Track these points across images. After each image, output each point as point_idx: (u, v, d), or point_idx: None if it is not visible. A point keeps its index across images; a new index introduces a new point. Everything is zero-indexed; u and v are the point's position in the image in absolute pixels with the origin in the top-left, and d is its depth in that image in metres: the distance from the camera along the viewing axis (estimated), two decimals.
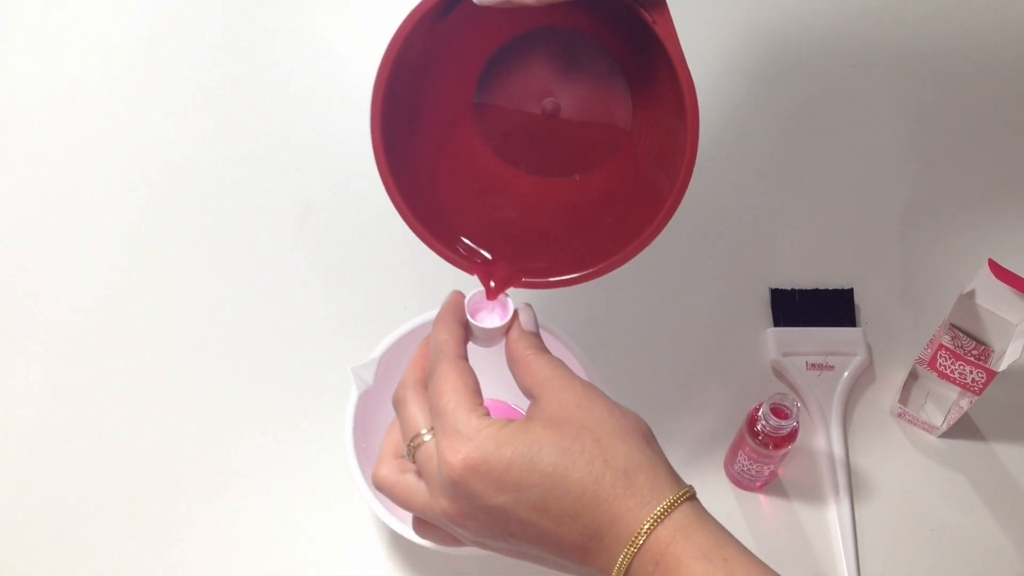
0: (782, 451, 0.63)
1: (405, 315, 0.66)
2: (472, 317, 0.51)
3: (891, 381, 0.72)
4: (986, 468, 0.69)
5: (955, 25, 0.92)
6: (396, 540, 0.67)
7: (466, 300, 0.51)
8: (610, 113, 0.57)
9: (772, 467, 0.66)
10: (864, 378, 0.73)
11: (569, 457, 0.43)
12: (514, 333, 0.50)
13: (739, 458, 0.66)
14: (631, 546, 0.42)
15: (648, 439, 0.46)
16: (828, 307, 0.76)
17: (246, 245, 0.81)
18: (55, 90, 0.90)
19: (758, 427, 0.62)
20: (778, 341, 0.74)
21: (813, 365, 0.73)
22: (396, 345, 0.65)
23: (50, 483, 0.70)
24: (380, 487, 0.49)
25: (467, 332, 0.51)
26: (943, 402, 0.69)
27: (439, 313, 0.51)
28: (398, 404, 0.49)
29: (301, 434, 0.71)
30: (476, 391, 0.47)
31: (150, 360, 0.75)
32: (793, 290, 0.76)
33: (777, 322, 0.75)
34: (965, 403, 0.66)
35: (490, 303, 0.51)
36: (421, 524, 0.50)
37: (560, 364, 0.48)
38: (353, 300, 0.78)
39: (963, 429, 0.70)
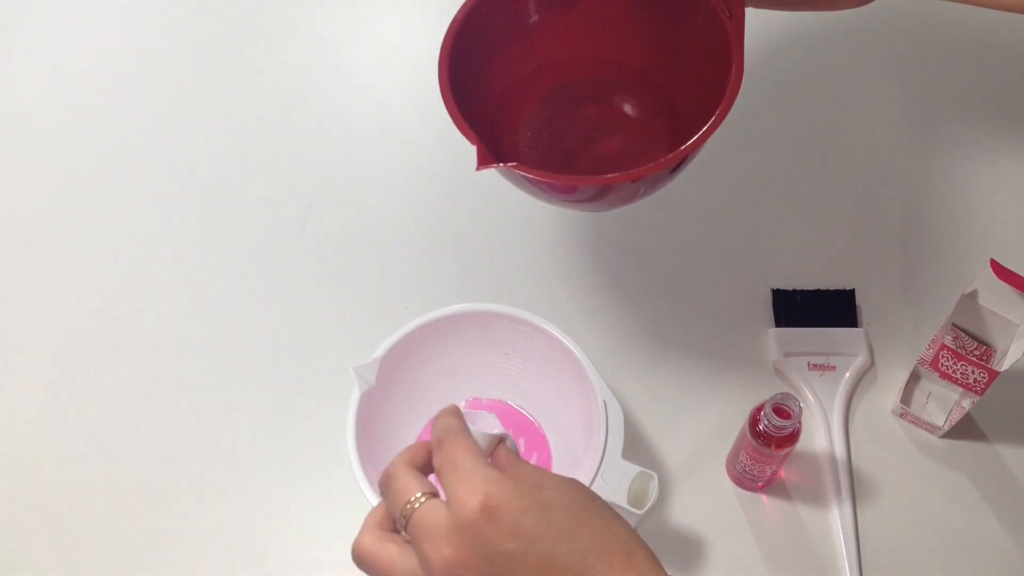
0: (784, 451, 0.63)
1: (406, 315, 0.66)
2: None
3: (893, 381, 0.72)
4: (988, 468, 0.69)
5: (957, 25, 0.92)
6: None
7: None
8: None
9: (774, 467, 0.66)
10: (866, 378, 0.73)
11: (581, 518, 0.44)
12: (501, 452, 0.49)
13: (741, 458, 0.66)
14: None
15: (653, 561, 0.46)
16: (830, 307, 0.76)
17: (247, 247, 0.81)
18: (56, 94, 0.90)
19: (760, 427, 0.62)
20: (780, 341, 0.74)
21: (815, 365, 0.73)
22: (398, 345, 0.65)
23: (50, 483, 0.70)
24: (361, 555, 0.47)
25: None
26: (945, 402, 0.69)
27: (438, 414, 0.50)
28: (387, 479, 0.47)
29: (303, 434, 0.71)
30: (483, 457, 0.47)
31: (151, 361, 0.75)
32: (795, 290, 0.76)
33: (779, 322, 0.75)
34: (967, 403, 0.66)
35: (479, 420, 0.52)
36: None
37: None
38: (354, 301, 0.78)
39: (965, 429, 0.70)
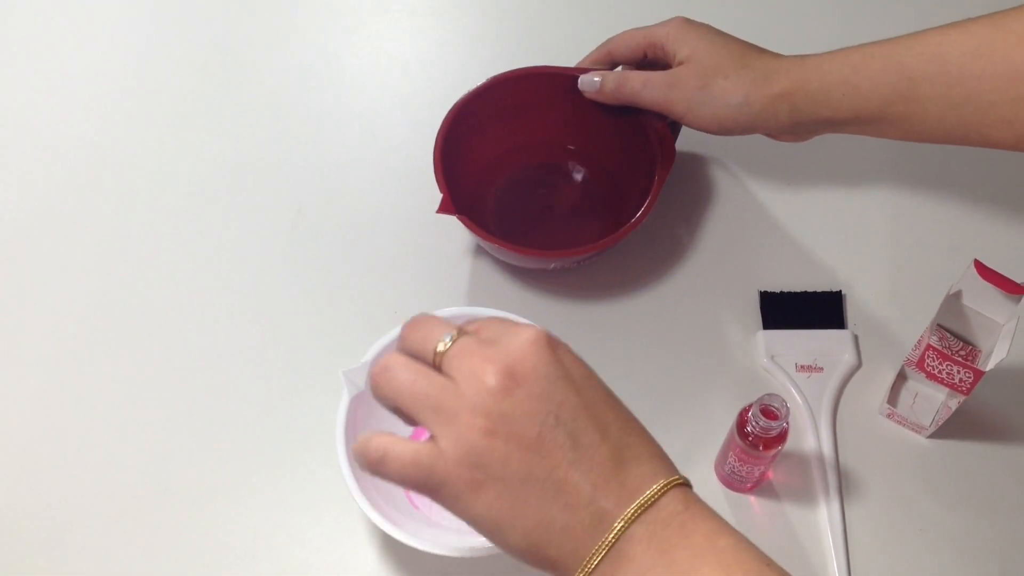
0: (772, 452, 0.63)
1: (395, 319, 0.66)
2: None
3: (880, 382, 0.73)
4: (975, 468, 0.70)
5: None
6: (387, 544, 0.67)
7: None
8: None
9: (762, 468, 0.66)
10: (853, 379, 0.74)
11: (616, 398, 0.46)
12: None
13: (729, 459, 0.66)
14: (666, 484, 0.43)
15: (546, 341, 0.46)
16: (817, 309, 0.76)
17: (237, 251, 0.81)
18: (48, 97, 0.90)
19: (748, 428, 0.63)
20: (768, 343, 0.74)
21: (802, 367, 0.73)
22: (387, 349, 0.65)
23: (42, 489, 0.70)
24: (388, 367, 0.45)
25: None
26: (931, 402, 0.69)
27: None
28: (408, 330, 0.46)
29: (292, 438, 0.71)
30: None
31: (141, 366, 0.75)
32: (782, 292, 0.77)
33: (766, 325, 0.75)
34: (953, 403, 0.66)
35: None
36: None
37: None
38: (344, 305, 0.78)
39: (951, 429, 0.70)
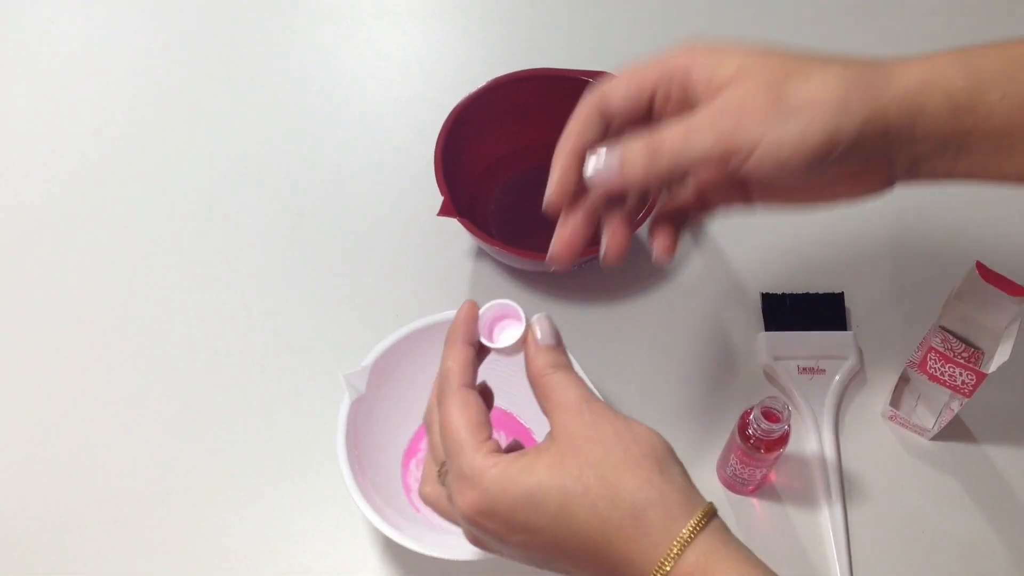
0: (774, 455, 0.63)
1: (396, 322, 0.66)
2: (487, 332, 0.49)
3: (882, 384, 0.73)
4: (977, 470, 0.69)
5: (949, 27, 0.93)
6: (389, 546, 0.67)
7: (480, 313, 0.48)
8: None
9: (764, 471, 0.66)
10: (855, 381, 0.73)
11: (572, 499, 0.41)
12: (531, 350, 0.47)
13: (731, 462, 0.66)
14: None
15: (662, 462, 0.43)
16: (819, 311, 0.76)
17: (238, 254, 0.81)
18: (51, 100, 0.90)
19: (749, 431, 0.63)
20: (769, 345, 0.74)
21: (804, 369, 0.73)
22: (388, 352, 0.65)
23: (43, 492, 0.70)
24: (426, 502, 0.50)
25: (479, 351, 0.49)
26: (934, 405, 0.69)
27: (450, 330, 0.48)
28: (427, 429, 0.49)
29: (293, 442, 0.71)
30: (481, 424, 0.45)
31: (142, 368, 0.75)
32: (784, 294, 0.76)
33: (768, 326, 0.75)
34: (956, 405, 0.66)
35: (507, 313, 0.49)
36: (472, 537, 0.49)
37: (575, 384, 0.45)
38: (345, 308, 0.78)
39: (954, 431, 0.70)
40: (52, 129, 0.88)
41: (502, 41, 0.93)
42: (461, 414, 0.45)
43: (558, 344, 0.47)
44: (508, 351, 0.48)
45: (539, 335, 0.47)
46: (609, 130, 0.49)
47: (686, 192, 0.53)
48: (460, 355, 0.47)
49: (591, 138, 0.48)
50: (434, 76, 0.91)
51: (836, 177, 0.48)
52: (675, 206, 0.53)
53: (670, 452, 0.44)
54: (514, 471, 0.43)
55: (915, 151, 0.46)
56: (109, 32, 0.95)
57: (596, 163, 0.46)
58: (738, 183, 0.52)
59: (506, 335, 0.48)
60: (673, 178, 0.46)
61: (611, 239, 0.50)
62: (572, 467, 0.42)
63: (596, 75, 0.79)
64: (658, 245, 0.51)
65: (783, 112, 0.44)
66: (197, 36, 0.94)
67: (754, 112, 0.44)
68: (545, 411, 0.46)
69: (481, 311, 0.48)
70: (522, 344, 0.48)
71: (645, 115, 0.48)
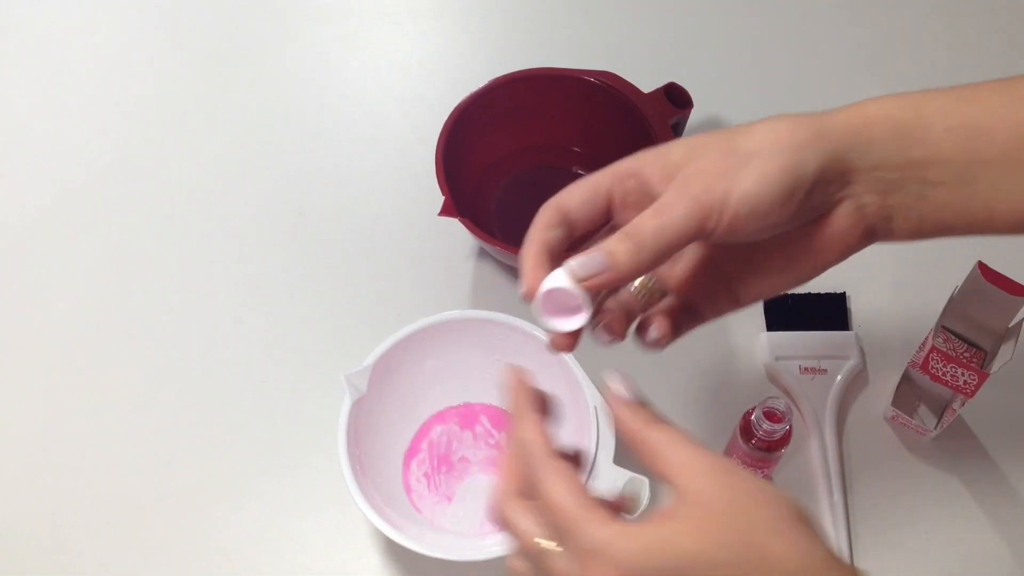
0: (776, 455, 0.63)
1: (397, 322, 0.66)
2: (546, 317, 0.45)
3: (884, 384, 0.73)
4: (980, 470, 0.69)
5: (954, 28, 0.93)
6: (389, 546, 0.67)
7: (538, 299, 0.45)
8: None
9: (766, 471, 0.66)
10: (857, 381, 0.73)
11: (724, 570, 0.38)
12: (620, 412, 0.43)
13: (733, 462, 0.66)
14: None
15: (804, 524, 0.40)
16: (821, 311, 0.76)
17: (238, 254, 0.81)
18: (50, 100, 0.90)
19: (752, 431, 0.62)
20: (771, 345, 0.74)
21: (806, 369, 0.73)
22: (389, 353, 0.65)
23: (43, 493, 0.70)
24: None
25: (544, 408, 0.45)
26: (936, 405, 0.69)
27: (512, 405, 0.45)
28: (503, 524, 0.43)
29: (294, 442, 0.71)
30: (584, 491, 0.41)
31: (143, 369, 0.75)
32: (786, 294, 0.76)
33: (770, 326, 0.75)
34: (958, 405, 0.66)
35: (561, 296, 0.45)
36: None
37: (684, 438, 0.42)
38: (345, 308, 0.78)
39: (956, 431, 0.70)
40: (52, 129, 0.88)
41: (502, 41, 0.93)
42: (565, 485, 0.41)
43: (642, 399, 0.44)
44: (576, 332, 0.45)
45: (620, 390, 0.44)
46: (571, 236, 0.48)
47: (671, 302, 0.53)
48: (533, 424, 0.44)
49: (554, 237, 0.47)
50: (435, 76, 0.91)
51: (814, 233, 0.49)
52: (668, 307, 0.53)
53: (807, 513, 0.41)
54: (651, 542, 0.39)
55: (880, 187, 0.46)
56: (110, 32, 0.95)
57: (581, 268, 0.45)
58: (722, 281, 0.52)
59: (567, 322, 0.45)
60: (659, 262, 0.45)
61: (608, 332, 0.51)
62: (716, 534, 0.39)
63: (596, 75, 0.79)
64: (656, 330, 0.51)
65: (741, 163, 0.45)
66: (197, 36, 0.94)
67: (716, 173, 0.45)
68: (659, 472, 0.42)
69: (538, 297, 0.45)
70: (585, 326, 0.45)
71: (605, 221, 0.48)
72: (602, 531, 0.39)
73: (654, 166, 0.46)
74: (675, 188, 0.45)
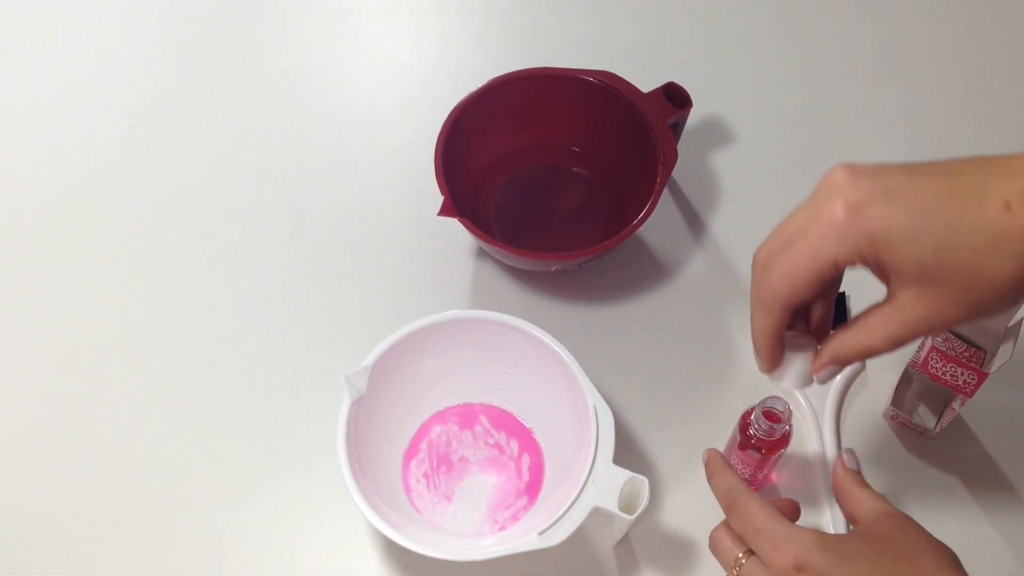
0: (775, 455, 0.63)
1: (397, 322, 0.66)
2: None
3: (884, 384, 0.73)
4: (979, 470, 0.69)
5: (962, 31, 0.93)
6: (389, 546, 0.67)
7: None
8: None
9: (765, 471, 0.66)
10: (857, 381, 0.73)
11: (881, 568, 0.47)
12: (839, 470, 0.56)
13: (732, 462, 0.66)
14: None
15: (958, 566, 0.49)
16: None
17: (238, 254, 0.81)
18: (51, 101, 0.90)
19: (751, 431, 0.62)
20: None
21: None
22: (388, 353, 0.65)
23: (43, 492, 0.70)
24: None
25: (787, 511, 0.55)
26: (935, 404, 0.69)
27: (709, 469, 0.57)
28: (713, 544, 0.54)
29: (294, 442, 0.71)
30: (774, 508, 0.52)
31: (142, 370, 0.75)
32: None
33: None
34: (957, 405, 0.66)
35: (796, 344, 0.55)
36: None
37: (880, 497, 0.54)
38: (345, 308, 0.78)
39: (956, 431, 0.70)
40: (52, 130, 0.88)
41: (502, 41, 0.93)
42: (761, 504, 0.51)
43: (859, 471, 0.57)
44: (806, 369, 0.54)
45: (849, 462, 0.57)
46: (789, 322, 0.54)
47: None
48: (731, 474, 0.55)
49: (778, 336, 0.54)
50: (435, 75, 0.91)
51: None
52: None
53: (961, 564, 0.50)
54: (830, 537, 0.49)
55: None
56: (109, 33, 0.95)
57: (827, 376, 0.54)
58: None
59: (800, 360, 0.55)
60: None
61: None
62: (883, 546, 0.49)
63: (596, 75, 0.79)
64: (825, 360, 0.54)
65: (947, 240, 0.44)
66: (197, 36, 0.94)
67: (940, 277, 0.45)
68: (852, 514, 0.54)
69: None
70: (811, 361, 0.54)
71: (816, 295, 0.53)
72: (792, 528, 0.50)
73: (892, 255, 0.46)
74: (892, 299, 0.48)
